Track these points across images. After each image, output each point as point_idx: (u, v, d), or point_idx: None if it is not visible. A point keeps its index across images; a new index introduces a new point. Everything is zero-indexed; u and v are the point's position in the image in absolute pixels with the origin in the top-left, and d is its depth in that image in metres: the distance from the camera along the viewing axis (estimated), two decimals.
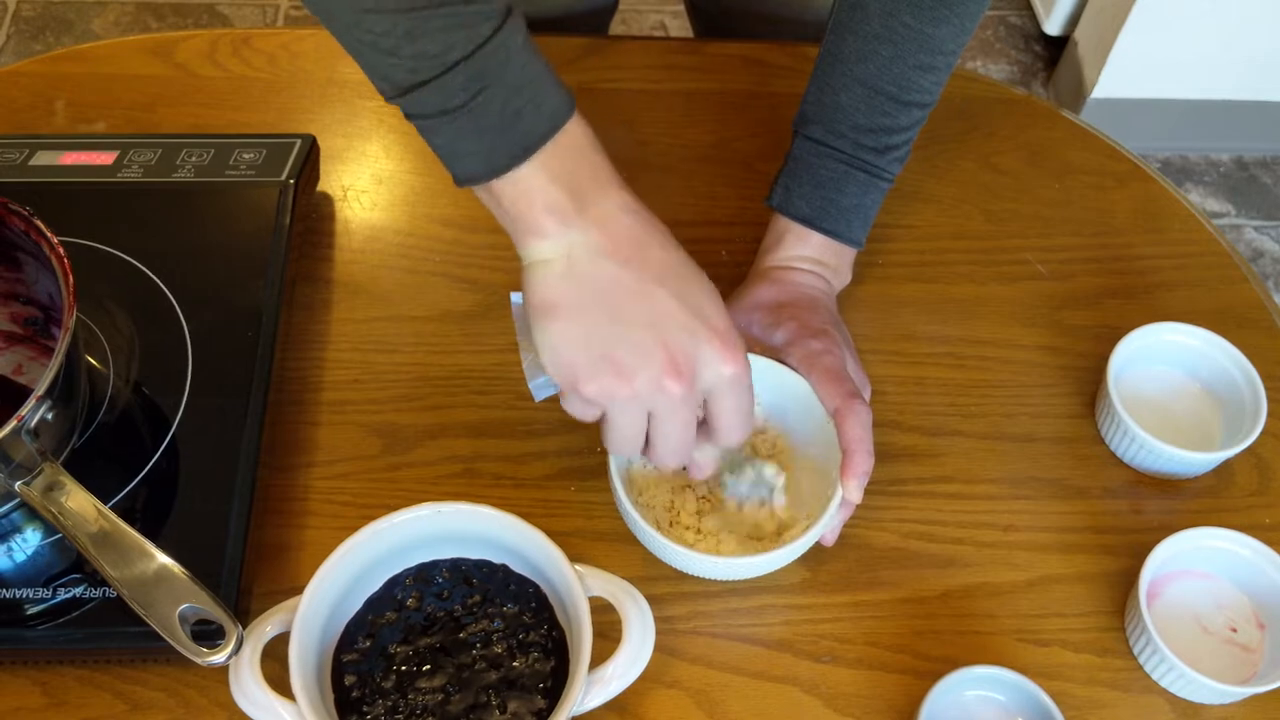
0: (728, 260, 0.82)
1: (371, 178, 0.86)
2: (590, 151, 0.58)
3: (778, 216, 0.77)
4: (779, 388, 0.70)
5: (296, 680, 0.58)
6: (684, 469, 0.66)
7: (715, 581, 0.69)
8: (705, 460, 0.65)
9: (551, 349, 0.58)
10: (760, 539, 0.69)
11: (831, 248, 0.76)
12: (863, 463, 0.66)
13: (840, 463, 0.66)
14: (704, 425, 0.62)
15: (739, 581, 0.69)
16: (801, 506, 0.69)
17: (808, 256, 0.76)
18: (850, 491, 0.66)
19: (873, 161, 0.74)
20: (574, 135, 0.57)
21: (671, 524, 0.69)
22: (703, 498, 0.70)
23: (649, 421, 0.59)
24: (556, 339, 0.58)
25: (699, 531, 0.69)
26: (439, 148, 0.57)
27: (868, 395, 0.72)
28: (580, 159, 0.57)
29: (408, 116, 0.56)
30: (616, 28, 2.05)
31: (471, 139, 0.55)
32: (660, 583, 0.68)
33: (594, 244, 0.57)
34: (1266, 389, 0.74)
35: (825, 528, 0.66)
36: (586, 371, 0.58)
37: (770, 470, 0.69)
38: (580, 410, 0.60)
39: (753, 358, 0.69)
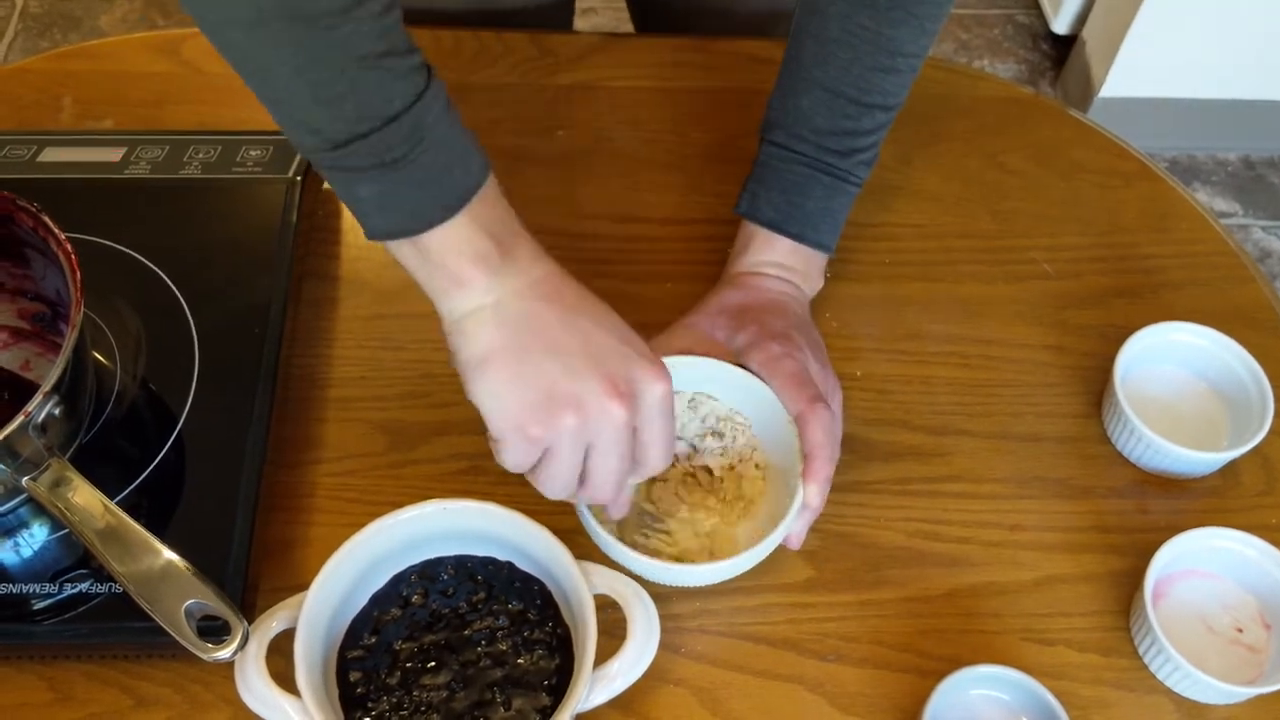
0: None
1: None
2: (504, 203, 0.59)
3: (745, 222, 0.77)
4: (740, 392, 0.70)
5: (301, 676, 0.58)
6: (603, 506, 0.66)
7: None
8: (625, 500, 0.65)
9: (494, 397, 0.58)
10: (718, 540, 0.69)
11: (799, 253, 0.75)
12: (824, 468, 0.66)
13: (802, 467, 0.66)
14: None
15: (743, 580, 0.69)
16: (766, 510, 0.69)
17: (774, 262, 0.75)
18: (810, 496, 0.66)
19: (836, 164, 0.74)
20: (493, 188, 0.58)
21: (633, 532, 0.69)
22: (652, 511, 0.70)
23: (586, 456, 0.59)
24: (498, 387, 0.57)
25: (662, 525, 0.69)
26: (363, 200, 0.56)
27: (838, 398, 0.72)
28: (500, 210, 0.58)
29: (330, 169, 0.56)
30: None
31: (407, 191, 0.55)
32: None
33: (520, 288, 0.58)
34: (1274, 389, 0.74)
35: (786, 532, 0.66)
36: (532, 412, 0.57)
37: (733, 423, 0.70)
38: (519, 456, 0.59)
39: (714, 362, 0.70)
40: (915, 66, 0.73)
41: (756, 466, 0.70)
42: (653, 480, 0.70)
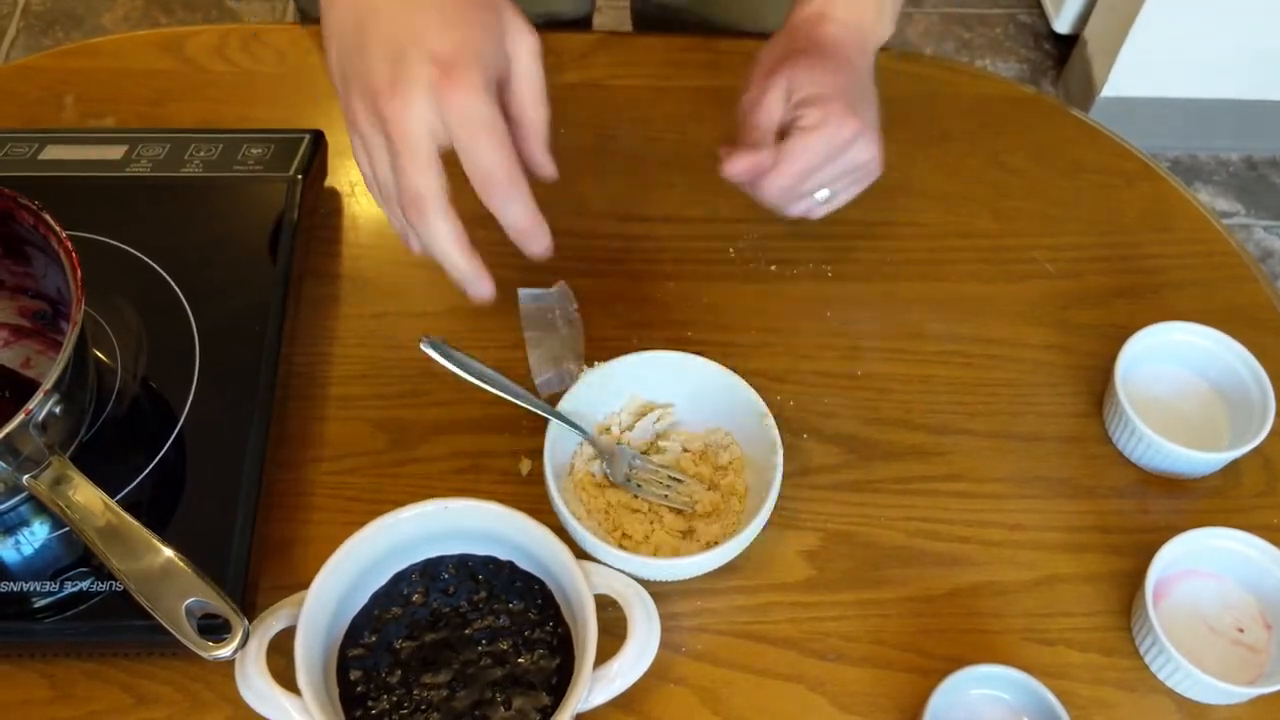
0: (735, 258, 0.82)
1: None
2: None
3: None
4: (717, 388, 0.70)
5: (302, 675, 0.58)
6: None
7: (720, 579, 0.69)
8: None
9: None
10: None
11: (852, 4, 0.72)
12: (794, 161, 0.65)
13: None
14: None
15: (743, 579, 0.69)
16: (748, 506, 0.69)
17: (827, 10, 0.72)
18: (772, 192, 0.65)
19: None
20: None
21: (612, 530, 0.69)
22: (639, 509, 0.70)
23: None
24: (330, 67, 0.57)
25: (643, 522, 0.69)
26: None
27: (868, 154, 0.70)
28: None
29: None
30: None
31: None
32: (665, 580, 0.68)
33: None
34: (1275, 389, 0.74)
35: (760, 525, 0.66)
36: (342, 100, 0.57)
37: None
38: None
39: (694, 359, 0.70)
40: None
41: (728, 456, 0.71)
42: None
